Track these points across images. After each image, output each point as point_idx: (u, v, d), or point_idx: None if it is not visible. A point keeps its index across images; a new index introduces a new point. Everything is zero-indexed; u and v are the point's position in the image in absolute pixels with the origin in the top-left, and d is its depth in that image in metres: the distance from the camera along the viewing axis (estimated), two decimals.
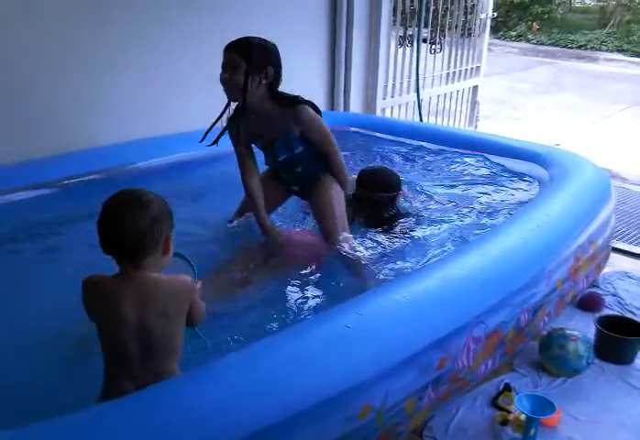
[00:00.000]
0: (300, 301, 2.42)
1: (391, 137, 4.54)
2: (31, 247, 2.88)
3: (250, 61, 2.50)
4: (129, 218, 1.60)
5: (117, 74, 3.73)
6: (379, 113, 5.57)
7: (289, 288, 2.51)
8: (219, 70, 2.49)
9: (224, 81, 2.57)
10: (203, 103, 4.12)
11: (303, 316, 2.29)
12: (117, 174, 3.49)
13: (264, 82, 2.55)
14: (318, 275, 2.61)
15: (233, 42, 2.54)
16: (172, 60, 4.00)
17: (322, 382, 1.70)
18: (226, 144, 2.75)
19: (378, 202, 3.10)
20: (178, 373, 1.70)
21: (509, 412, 2.18)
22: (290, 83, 4.68)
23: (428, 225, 3.14)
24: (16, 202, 3.18)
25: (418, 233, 3.06)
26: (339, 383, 1.73)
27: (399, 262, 2.77)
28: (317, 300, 2.42)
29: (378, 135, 4.61)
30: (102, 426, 1.42)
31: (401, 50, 5.71)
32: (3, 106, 3.31)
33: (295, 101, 2.64)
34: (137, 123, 3.86)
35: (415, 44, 5.68)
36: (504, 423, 2.15)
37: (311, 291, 2.49)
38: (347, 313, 1.92)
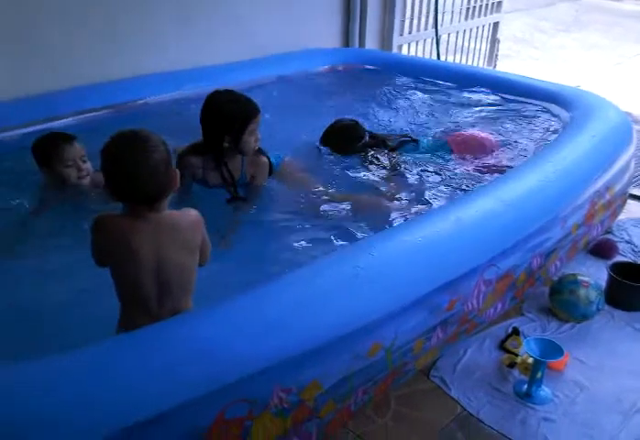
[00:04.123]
0: (312, 241, 2.40)
1: (408, 76, 4.41)
2: None
3: None
4: (147, 166, 1.53)
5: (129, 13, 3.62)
6: (395, 50, 5.39)
7: (298, 228, 2.49)
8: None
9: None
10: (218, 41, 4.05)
11: (314, 256, 2.27)
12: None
13: None
14: (327, 217, 2.60)
15: None
16: None
17: (333, 321, 1.71)
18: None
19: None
20: (192, 309, 1.71)
21: (516, 355, 2.20)
22: (303, 18, 4.57)
23: (442, 167, 3.08)
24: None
25: (428, 173, 3.01)
26: (350, 322, 1.74)
27: (411, 202, 2.74)
28: (328, 241, 2.40)
29: (394, 73, 4.48)
30: (114, 359, 1.44)
31: None
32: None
33: None
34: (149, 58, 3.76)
35: None
36: (511, 365, 2.17)
37: (322, 232, 2.48)
38: (359, 254, 1.91)
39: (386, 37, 5.30)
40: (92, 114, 3.40)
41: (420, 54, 5.75)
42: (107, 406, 1.37)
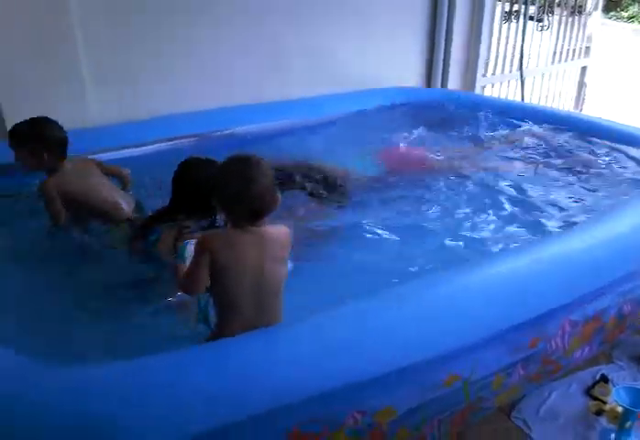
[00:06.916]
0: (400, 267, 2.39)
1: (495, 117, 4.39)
2: None
3: None
4: (264, 185, 1.66)
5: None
6: (478, 90, 5.39)
7: (383, 254, 2.49)
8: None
9: None
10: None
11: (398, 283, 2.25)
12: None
13: None
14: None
15: None
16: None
17: (410, 348, 1.69)
18: None
19: None
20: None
21: (604, 403, 2.07)
22: (386, 58, 4.62)
23: (535, 207, 3.02)
24: None
25: (516, 212, 2.93)
26: (427, 349, 1.71)
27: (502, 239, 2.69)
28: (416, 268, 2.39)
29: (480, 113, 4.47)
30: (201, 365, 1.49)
31: (505, 26, 5.48)
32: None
33: None
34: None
35: (521, 19, 5.44)
36: (599, 413, 2.05)
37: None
38: (443, 284, 1.89)
39: (470, 76, 5.31)
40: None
41: (503, 95, 5.71)
42: (194, 408, 1.41)
